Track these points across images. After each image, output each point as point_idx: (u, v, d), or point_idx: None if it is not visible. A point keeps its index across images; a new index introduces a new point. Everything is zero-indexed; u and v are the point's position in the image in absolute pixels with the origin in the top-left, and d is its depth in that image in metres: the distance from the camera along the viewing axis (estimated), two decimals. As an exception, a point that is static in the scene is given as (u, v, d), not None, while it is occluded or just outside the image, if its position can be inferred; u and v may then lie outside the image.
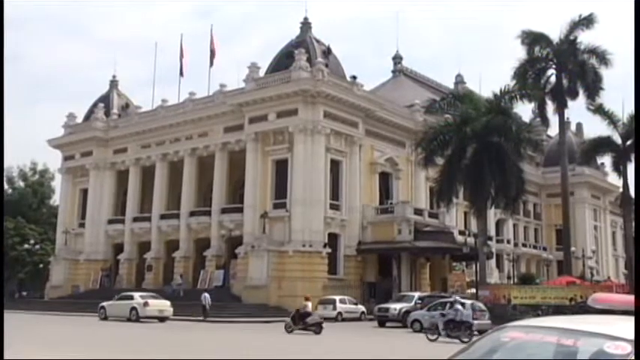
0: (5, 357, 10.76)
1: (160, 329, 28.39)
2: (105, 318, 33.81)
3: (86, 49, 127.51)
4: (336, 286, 40.51)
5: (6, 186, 71.00)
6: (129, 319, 32.11)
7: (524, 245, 67.65)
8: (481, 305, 29.18)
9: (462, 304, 28.60)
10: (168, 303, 33.47)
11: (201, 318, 34.10)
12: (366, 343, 23.98)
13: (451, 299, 30.68)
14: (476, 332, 25.39)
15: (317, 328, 24.61)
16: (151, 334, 25.59)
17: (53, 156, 67.99)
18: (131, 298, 33.91)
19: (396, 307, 33.06)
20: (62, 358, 14.76)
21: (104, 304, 34.72)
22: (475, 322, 26.92)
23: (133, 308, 32.44)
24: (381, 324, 32.64)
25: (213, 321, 32.91)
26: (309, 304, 26.53)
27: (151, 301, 33.18)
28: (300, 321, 25.04)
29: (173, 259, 49.01)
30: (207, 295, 35.29)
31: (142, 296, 34.03)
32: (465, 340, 23.08)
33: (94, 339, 22.94)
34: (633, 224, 41.40)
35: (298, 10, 76.76)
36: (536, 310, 32.01)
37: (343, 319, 35.18)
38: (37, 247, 63.30)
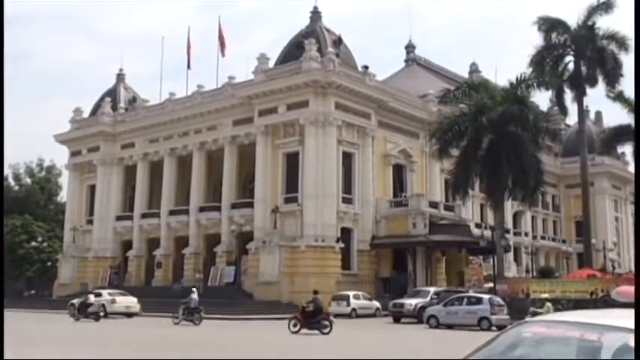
0: (5, 357, 10.83)
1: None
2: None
3: (92, 44, 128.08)
4: (349, 282, 40.52)
5: (13, 182, 71.57)
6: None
7: (542, 238, 67.39)
8: (499, 300, 29.12)
9: (479, 299, 28.69)
10: (135, 300, 35.95)
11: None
12: (380, 340, 23.97)
13: (467, 294, 30.76)
14: (494, 328, 25.47)
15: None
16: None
17: (60, 152, 68.37)
18: (100, 295, 35.81)
19: (411, 302, 33.02)
20: (61, 358, 14.92)
21: (74, 301, 36.03)
22: (493, 317, 26.98)
23: (102, 305, 34.09)
24: (396, 320, 32.64)
25: (206, 318, 33.01)
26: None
27: (118, 298, 35.85)
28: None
29: (183, 255, 49.21)
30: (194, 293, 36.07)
31: (110, 293, 36.76)
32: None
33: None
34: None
35: (307, 0, 76.62)
36: (557, 305, 31.90)
37: (357, 316, 35.20)
38: (45, 244, 63.64)
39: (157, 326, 28.68)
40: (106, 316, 33.48)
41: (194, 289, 31.66)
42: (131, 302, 35.81)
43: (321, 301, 24.43)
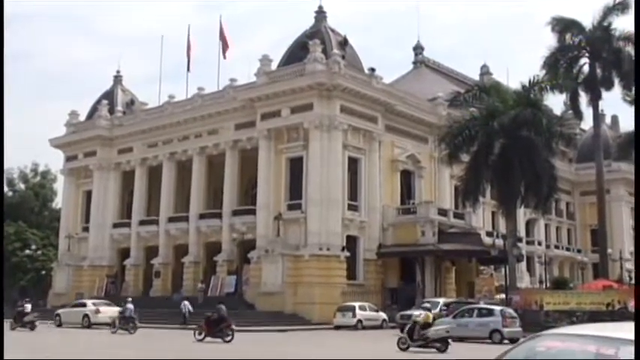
0: (5, 357, 10.93)
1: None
2: (60, 325, 37.86)
3: (90, 44, 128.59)
4: (355, 292, 40.48)
5: (6, 188, 71.69)
6: (82, 326, 35.85)
7: (556, 247, 67.22)
8: (511, 312, 29.03)
9: (491, 310, 28.63)
10: (118, 310, 36.62)
11: (177, 325, 35.52)
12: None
13: (478, 305, 30.69)
14: (506, 341, 25.41)
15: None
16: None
17: (55, 156, 68.53)
18: (84, 305, 37.99)
19: (419, 314, 32.91)
20: (60, 359, 15.13)
21: (59, 311, 38.89)
22: (505, 329, 26.91)
23: (85, 315, 35.87)
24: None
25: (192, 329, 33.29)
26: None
27: (102, 309, 37.26)
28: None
29: (182, 264, 49.23)
30: (187, 302, 37.52)
31: (94, 303, 38.34)
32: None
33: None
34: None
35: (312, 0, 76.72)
36: (571, 317, 31.82)
37: (363, 327, 35.17)
38: (39, 252, 63.83)
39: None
40: (89, 326, 34.99)
41: (129, 299, 34.20)
42: (115, 313, 36.26)
43: (224, 311, 26.19)
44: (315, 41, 44.08)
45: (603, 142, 48.54)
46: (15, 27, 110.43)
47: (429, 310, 24.50)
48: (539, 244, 64.27)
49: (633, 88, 40.48)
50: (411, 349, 21.66)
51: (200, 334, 25.70)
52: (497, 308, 29.16)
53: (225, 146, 48.39)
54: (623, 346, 4.10)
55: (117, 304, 38.90)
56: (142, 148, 53.76)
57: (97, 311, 36.88)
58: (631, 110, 43.20)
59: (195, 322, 34.57)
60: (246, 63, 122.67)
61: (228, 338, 24.85)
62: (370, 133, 45.12)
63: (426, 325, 21.78)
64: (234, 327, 25.51)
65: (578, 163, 68.03)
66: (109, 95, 58.54)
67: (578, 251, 68.62)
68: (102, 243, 54.41)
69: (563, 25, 44.24)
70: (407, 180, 49.24)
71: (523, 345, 4.60)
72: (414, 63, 69.56)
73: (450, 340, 21.65)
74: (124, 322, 31.62)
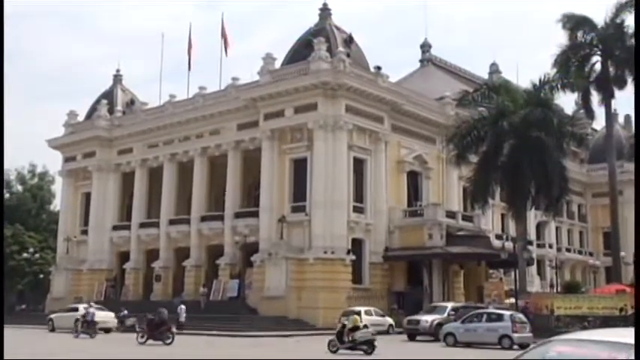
0: (5, 357, 11.02)
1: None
2: (53, 329, 38.92)
3: (88, 43, 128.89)
4: (361, 297, 40.47)
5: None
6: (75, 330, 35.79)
7: (568, 250, 67.14)
8: (521, 317, 29.02)
9: (500, 315, 28.61)
10: (112, 315, 37.89)
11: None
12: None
13: (487, 310, 30.66)
14: (516, 347, 25.38)
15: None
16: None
17: (53, 157, 68.69)
18: (76, 310, 37.96)
19: (427, 319, 32.94)
20: (61, 359, 15.32)
21: (52, 316, 39.93)
22: (515, 334, 26.88)
23: (77, 320, 35.54)
24: (411, 337, 32.55)
25: (188, 333, 33.39)
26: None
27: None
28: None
29: (183, 268, 49.27)
30: (182, 306, 37.79)
31: (85, 308, 37.45)
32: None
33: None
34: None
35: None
36: (583, 322, 31.76)
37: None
38: (37, 256, 63.85)
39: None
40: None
41: (92, 304, 35.46)
42: (107, 317, 37.29)
43: (165, 314, 28.28)
44: (320, 39, 44.09)
45: (616, 143, 48.42)
46: (10, 24, 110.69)
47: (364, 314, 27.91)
48: (550, 247, 64.17)
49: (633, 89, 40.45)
50: (340, 351, 23.40)
51: (142, 337, 27.77)
52: (506, 313, 29.16)
53: (228, 147, 48.43)
54: (637, 352, 4.08)
55: (117, 308, 39.56)
56: (143, 148, 53.84)
57: None
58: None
59: (191, 327, 34.84)
60: (248, 62, 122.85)
61: (169, 341, 26.98)
62: (376, 134, 45.10)
63: (355, 329, 23.57)
64: (174, 330, 27.74)
65: (590, 163, 67.97)
66: (109, 95, 58.64)
67: (590, 254, 68.49)
68: (101, 246, 54.49)
69: (575, 22, 44.16)
70: (414, 181, 49.19)
71: (534, 351, 4.58)
72: (421, 61, 69.53)
73: (375, 343, 23.24)
74: (87, 327, 32.91)
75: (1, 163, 26.93)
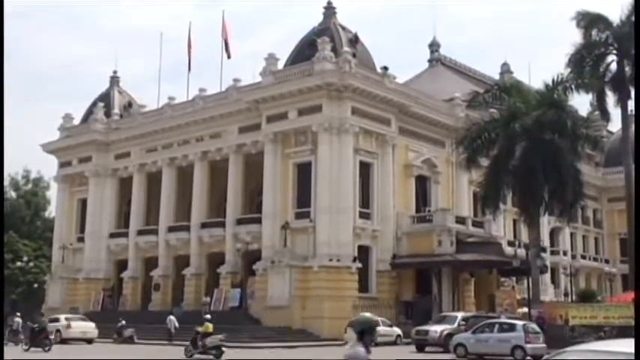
0: (5, 357, 11.18)
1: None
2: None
3: (84, 43, 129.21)
4: (367, 306, 40.30)
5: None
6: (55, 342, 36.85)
7: (583, 257, 67.06)
8: (534, 327, 28.98)
9: (512, 325, 28.59)
10: (92, 325, 39.08)
11: (165, 342, 36.44)
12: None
13: (499, 320, 30.64)
14: (529, 358, 25.36)
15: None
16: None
17: (48, 162, 68.90)
18: (57, 320, 39.07)
19: (436, 329, 32.95)
20: (64, 359, 15.64)
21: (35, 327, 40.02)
22: (528, 345, 26.86)
23: (57, 330, 36.60)
24: (420, 348, 32.56)
25: (179, 344, 33.19)
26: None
27: (74, 324, 39.10)
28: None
29: (183, 276, 49.32)
30: (172, 317, 38.48)
31: (66, 318, 39.92)
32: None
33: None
34: None
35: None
36: (599, 332, 31.70)
37: (376, 344, 34.92)
38: (31, 264, 63.96)
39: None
40: (61, 342, 36.21)
41: (18, 314, 37.90)
42: (88, 328, 38.84)
43: (45, 322, 32.89)
44: (324, 39, 44.15)
45: (632, 145, 48.34)
46: (8, 24, 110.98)
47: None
48: (565, 254, 64.10)
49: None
50: (195, 356, 27.09)
51: (26, 344, 31.90)
52: (519, 323, 29.13)
53: (229, 151, 48.51)
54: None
55: (114, 319, 39.89)
56: (140, 153, 53.95)
57: (69, 326, 38.46)
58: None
59: (182, 338, 34.87)
60: (250, 62, 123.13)
61: (47, 348, 30.58)
62: (383, 136, 45.15)
63: (206, 335, 27.11)
64: (51, 338, 31.38)
65: (606, 167, 67.85)
66: (106, 97, 58.81)
67: (606, 261, 68.36)
68: (98, 254, 54.57)
69: (589, 20, 44.05)
70: (422, 186, 49.21)
71: (548, 362, 4.61)
72: (430, 61, 69.60)
73: (224, 348, 26.61)
74: (12, 336, 36.20)
75: (1, 165, 27.36)
